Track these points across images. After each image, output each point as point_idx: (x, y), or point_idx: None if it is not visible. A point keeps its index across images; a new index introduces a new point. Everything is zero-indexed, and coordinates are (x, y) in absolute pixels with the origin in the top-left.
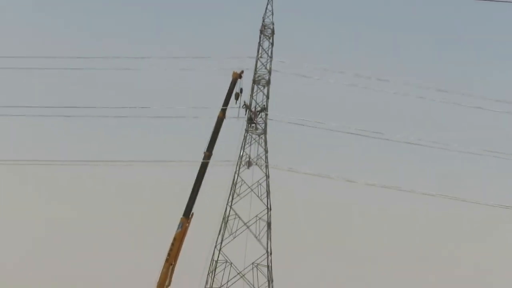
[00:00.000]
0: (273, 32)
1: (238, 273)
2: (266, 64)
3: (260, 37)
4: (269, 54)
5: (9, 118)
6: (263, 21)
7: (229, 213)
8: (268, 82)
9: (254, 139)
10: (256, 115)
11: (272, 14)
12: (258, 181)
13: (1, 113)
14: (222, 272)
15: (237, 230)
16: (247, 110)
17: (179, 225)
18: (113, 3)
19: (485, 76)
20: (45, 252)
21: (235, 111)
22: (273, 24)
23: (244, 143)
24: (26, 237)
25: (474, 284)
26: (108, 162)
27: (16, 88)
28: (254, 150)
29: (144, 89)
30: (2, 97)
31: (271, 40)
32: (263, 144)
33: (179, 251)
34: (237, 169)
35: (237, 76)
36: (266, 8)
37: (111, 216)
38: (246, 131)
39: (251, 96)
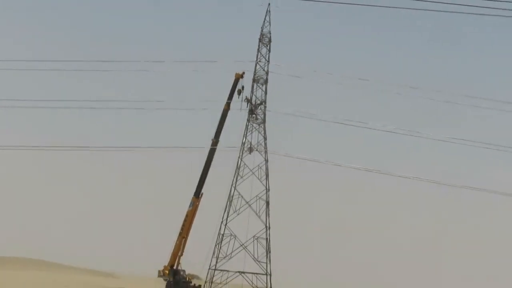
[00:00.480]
0: (270, 40)
1: (241, 245)
2: (264, 67)
3: (259, 45)
4: (267, 58)
5: (51, 110)
6: (262, 31)
7: (233, 193)
8: (266, 81)
9: (255, 128)
10: (256, 108)
11: (270, 24)
12: (258, 165)
13: (44, 106)
14: (227, 244)
15: (240, 208)
16: (248, 103)
17: (190, 204)
18: (140, 16)
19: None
20: (79, 227)
21: (238, 105)
22: (270, 33)
23: (246, 132)
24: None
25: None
26: (132, 148)
27: (55, 85)
28: (254, 138)
29: (162, 86)
30: (44, 93)
31: (268, 47)
32: (262, 132)
33: (191, 226)
34: (240, 154)
35: (239, 76)
36: (264, 19)
37: (135, 195)
38: (248, 121)
39: (252, 92)
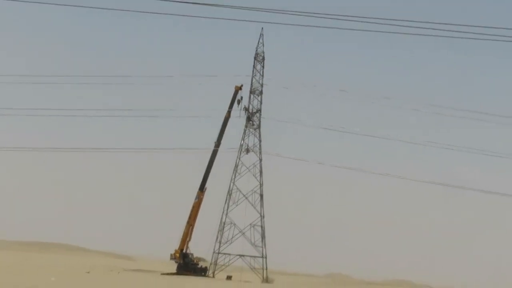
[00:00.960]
0: (263, 58)
1: (240, 231)
2: (259, 80)
3: (254, 62)
4: (261, 73)
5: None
6: (256, 50)
7: (232, 188)
8: (261, 93)
9: (251, 132)
10: (252, 115)
11: (263, 45)
12: (253, 164)
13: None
14: (228, 231)
15: (238, 200)
16: (246, 112)
17: (196, 197)
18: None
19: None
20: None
21: (237, 113)
22: (263, 52)
23: (244, 135)
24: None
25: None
26: (147, 149)
27: (86, 96)
28: (251, 141)
29: (172, 97)
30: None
31: (262, 64)
32: (257, 136)
33: (196, 216)
34: (239, 154)
35: (238, 88)
36: (258, 41)
37: (151, 189)
38: (245, 126)
39: (249, 101)
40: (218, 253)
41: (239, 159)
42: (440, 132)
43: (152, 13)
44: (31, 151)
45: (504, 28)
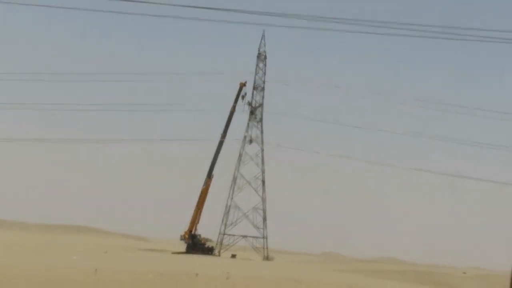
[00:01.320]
0: (265, 57)
1: (244, 214)
2: (262, 77)
3: (257, 60)
4: (263, 71)
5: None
6: (259, 50)
7: (237, 175)
8: (263, 89)
9: (254, 125)
10: (255, 109)
11: (265, 45)
12: (256, 153)
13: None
14: (233, 214)
15: (242, 186)
16: (250, 106)
17: (204, 183)
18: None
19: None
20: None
21: (241, 107)
22: (265, 52)
23: (247, 128)
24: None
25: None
26: (161, 140)
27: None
28: (254, 132)
29: (183, 93)
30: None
31: (264, 62)
32: (260, 128)
33: (204, 200)
34: (243, 145)
35: (242, 85)
36: (261, 41)
37: (164, 177)
38: (249, 119)
39: (252, 97)
40: (224, 234)
41: (243, 149)
42: (423, 123)
43: (169, 17)
44: (57, 143)
45: (481, 29)
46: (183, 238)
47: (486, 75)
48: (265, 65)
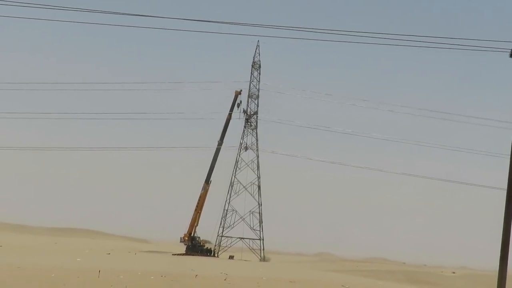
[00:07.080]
0: (259, 66)
1: (241, 217)
2: (256, 86)
3: (251, 69)
4: (258, 79)
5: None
6: (253, 59)
7: (234, 180)
8: (258, 97)
9: (250, 132)
10: (250, 117)
11: (259, 55)
12: (251, 159)
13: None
14: (230, 217)
15: (239, 190)
16: (245, 114)
17: (202, 188)
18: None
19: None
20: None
21: (237, 115)
22: (259, 61)
23: (243, 135)
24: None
25: None
26: (159, 148)
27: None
28: (249, 139)
29: (180, 102)
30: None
31: (259, 71)
32: (255, 135)
33: (203, 204)
34: (239, 151)
35: (237, 93)
36: (255, 51)
37: (162, 183)
38: (244, 127)
39: (247, 105)
40: (222, 236)
41: (239, 155)
42: (411, 129)
43: (168, 29)
44: (62, 150)
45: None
46: (183, 240)
47: (473, 82)
48: (259, 73)
